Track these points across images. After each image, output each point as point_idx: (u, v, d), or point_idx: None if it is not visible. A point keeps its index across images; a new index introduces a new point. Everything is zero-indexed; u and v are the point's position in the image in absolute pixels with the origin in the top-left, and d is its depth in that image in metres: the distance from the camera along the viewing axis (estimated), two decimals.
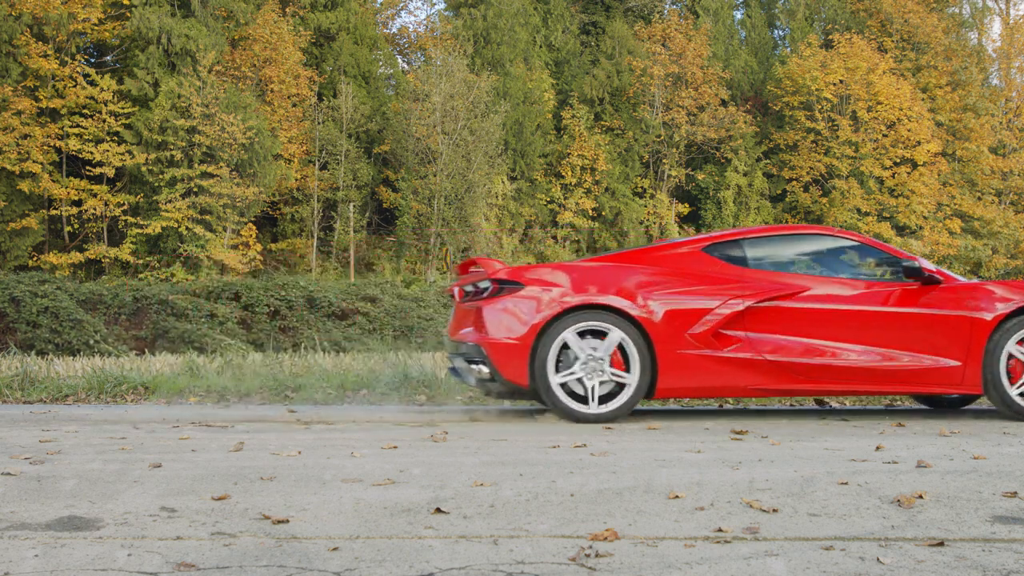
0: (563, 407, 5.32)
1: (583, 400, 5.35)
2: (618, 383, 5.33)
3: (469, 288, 5.86)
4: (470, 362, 5.58)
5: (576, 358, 5.30)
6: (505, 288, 5.48)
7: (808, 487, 3.23)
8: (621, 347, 5.31)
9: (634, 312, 5.31)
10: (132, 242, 22.37)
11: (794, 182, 29.73)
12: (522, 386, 5.37)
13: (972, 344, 5.47)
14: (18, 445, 4.72)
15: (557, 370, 5.30)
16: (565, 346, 5.31)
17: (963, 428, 5.18)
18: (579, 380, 5.33)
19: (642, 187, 29.72)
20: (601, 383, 5.31)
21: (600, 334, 5.34)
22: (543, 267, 5.72)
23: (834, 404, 8.29)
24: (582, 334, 5.32)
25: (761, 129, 30.42)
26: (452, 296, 6.40)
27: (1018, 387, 5.53)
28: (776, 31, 34.83)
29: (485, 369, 5.45)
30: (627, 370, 5.31)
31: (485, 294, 5.57)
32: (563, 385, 5.31)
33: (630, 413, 5.55)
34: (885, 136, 29.04)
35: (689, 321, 5.36)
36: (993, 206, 30.90)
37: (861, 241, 5.87)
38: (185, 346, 16.28)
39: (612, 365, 5.30)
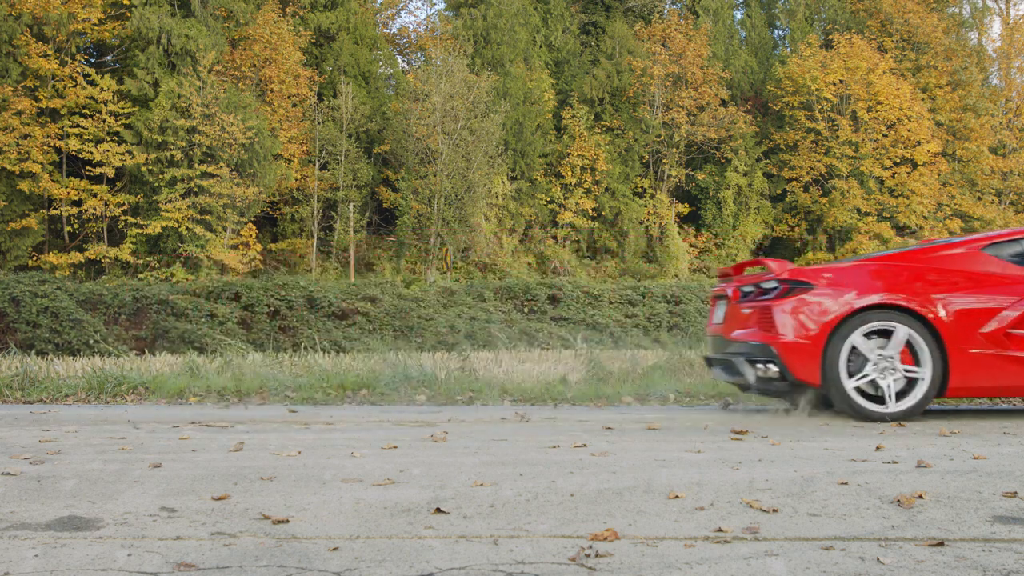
0: (858, 408, 5.38)
1: (873, 399, 5.41)
2: (909, 380, 5.39)
3: (748, 288, 5.91)
4: (752, 361, 5.63)
5: (866, 359, 5.37)
6: (795, 289, 5.55)
7: (808, 487, 3.23)
8: (909, 345, 5.36)
9: (924, 312, 5.36)
10: (132, 242, 22.35)
11: (794, 182, 29.71)
12: (813, 385, 5.45)
13: None
14: (18, 445, 4.72)
15: (848, 370, 5.37)
16: (854, 347, 5.37)
17: (963, 428, 5.18)
18: (871, 381, 5.39)
19: (642, 187, 29.70)
20: (894, 380, 5.38)
21: (886, 333, 5.40)
22: (828, 268, 5.76)
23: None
24: (868, 335, 5.39)
25: (761, 129, 30.40)
26: (722, 297, 6.43)
27: None
28: (776, 31, 34.80)
29: (774, 368, 5.51)
30: (918, 366, 5.36)
31: (772, 294, 5.62)
32: (857, 387, 5.39)
33: (922, 412, 5.58)
34: (885, 136, 29.03)
35: (980, 321, 5.39)
36: (993, 206, 30.87)
37: None
38: (185, 346, 16.28)
39: (902, 362, 5.37)
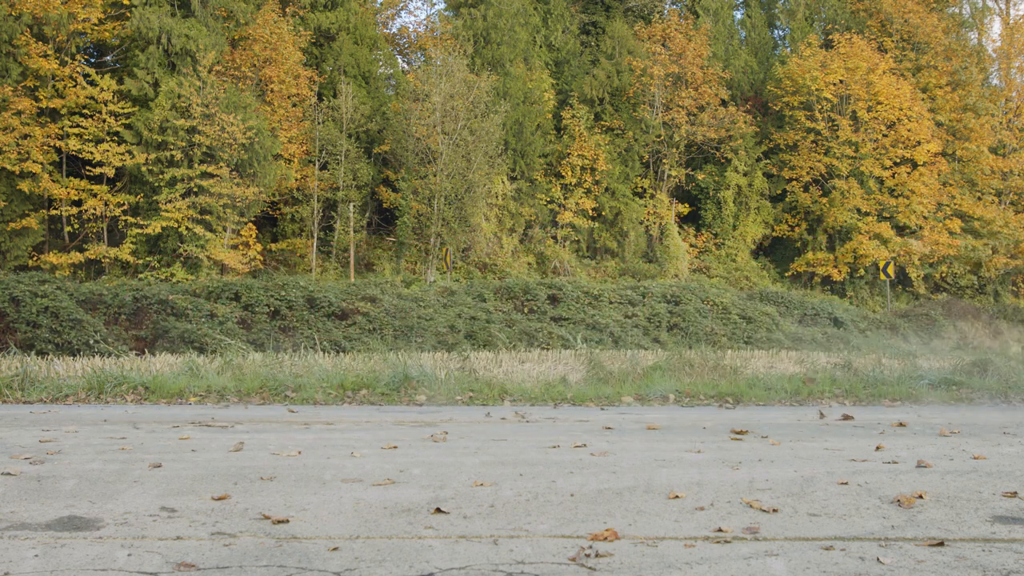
0: None
1: None
2: None
3: None
4: None
5: None
6: None
7: (808, 487, 3.23)
8: None
9: None
10: (132, 242, 22.34)
11: (794, 182, 29.70)
12: None
13: None
14: (18, 445, 4.73)
15: None
16: None
17: (963, 428, 5.18)
18: None
19: (642, 187, 29.69)
20: None
21: None
22: None
23: (834, 404, 8.28)
24: None
25: (761, 129, 30.39)
26: None
27: None
28: (776, 31, 34.79)
29: None
30: None
31: None
32: None
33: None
34: (885, 136, 29.02)
35: None
36: (993, 206, 30.86)
37: None
38: (185, 346, 16.27)
39: None
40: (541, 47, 30.54)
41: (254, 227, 24.03)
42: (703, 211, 29.82)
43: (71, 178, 22.57)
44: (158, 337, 16.73)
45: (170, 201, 22.07)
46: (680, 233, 29.26)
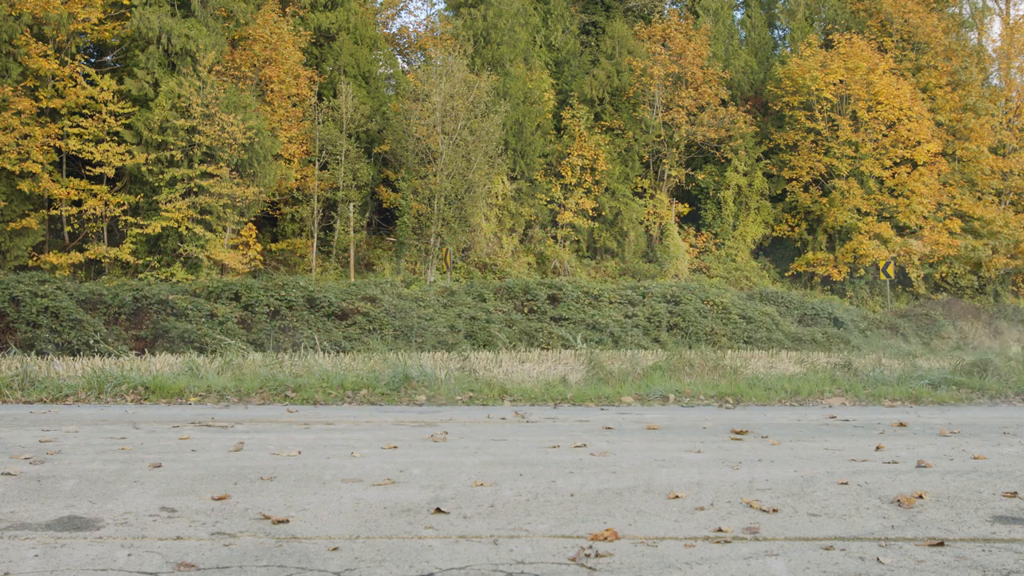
0: None
1: None
2: None
3: None
4: None
5: None
6: None
7: (808, 487, 3.23)
8: None
9: None
10: (132, 242, 22.34)
11: (794, 182, 29.70)
12: None
13: None
14: (18, 445, 4.73)
15: None
16: None
17: (963, 428, 5.18)
18: None
19: (642, 187, 29.69)
20: None
21: None
22: None
23: (833, 403, 8.29)
24: None
25: (761, 129, 30.38)
26: None
27: None
28: (776, 31, 34.78)
29: None
30: None
31: None
32: None
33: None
34: (885, 136, 29.02)
35: None
36: (993, 206, 30.85)
37: None
38: (185, 346, 16.27)
39: None
40: (541, 47, 30.53)
41: (254, 227, 24.03)
42: (703, 211, 29.82)
43: (71, 178, 22.57)
44: (158, 337, 16.74)
45: (170, 201, 22.06)
46: (680, 233, 29.26)
